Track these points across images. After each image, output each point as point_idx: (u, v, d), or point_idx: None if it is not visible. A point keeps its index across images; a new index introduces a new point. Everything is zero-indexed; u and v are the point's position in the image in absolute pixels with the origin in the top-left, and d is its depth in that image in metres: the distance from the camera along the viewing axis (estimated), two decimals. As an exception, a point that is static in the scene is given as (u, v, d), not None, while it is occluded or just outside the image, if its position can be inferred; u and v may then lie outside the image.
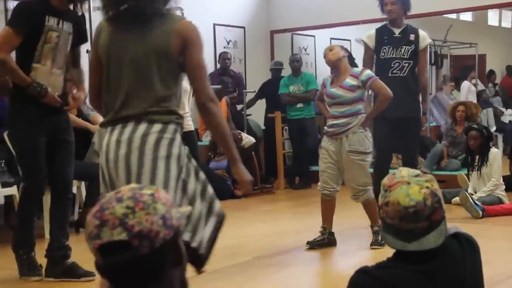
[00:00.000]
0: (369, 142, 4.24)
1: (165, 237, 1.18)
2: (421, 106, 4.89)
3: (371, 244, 4.24)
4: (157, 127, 2.25)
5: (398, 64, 4.76)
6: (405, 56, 4.75)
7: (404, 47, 4.76)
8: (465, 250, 1.70)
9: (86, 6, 5.78)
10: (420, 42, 4.79)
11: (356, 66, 4.43)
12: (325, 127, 4.36)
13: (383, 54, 4.80)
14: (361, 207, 4.37)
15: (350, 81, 4.23)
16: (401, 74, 4.75)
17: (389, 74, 4.70)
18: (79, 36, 3.60)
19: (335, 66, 4.31)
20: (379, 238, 4.15)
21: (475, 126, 5.84)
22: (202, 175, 2.36)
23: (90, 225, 1.19)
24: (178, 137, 2.30)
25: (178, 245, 1.22)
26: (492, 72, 12.29)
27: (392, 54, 4.77)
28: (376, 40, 4.84)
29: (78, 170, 4.02)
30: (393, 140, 4.77)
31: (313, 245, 4.29)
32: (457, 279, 1.65)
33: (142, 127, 2.24)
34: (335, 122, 4.25)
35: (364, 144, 4.20)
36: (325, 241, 4.31)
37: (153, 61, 2.27)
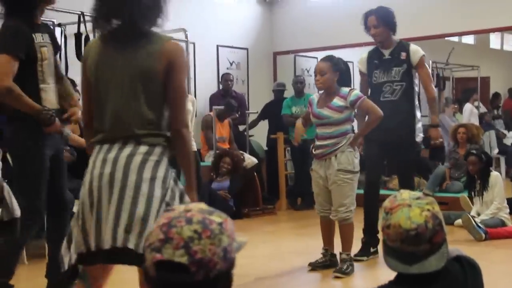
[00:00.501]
0: (357, 161, 4.18)
1: (221, 268, 1.19)
2: (415, 129, 4.65)
3: (335, 272, 4.10)
4: (143, 148, 2.26)
5: (389, 87, 4.62)
6: (396, 78, 4.59)
7: (394, 69, 4.60)
8: (467, 273, 1.70)
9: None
10: (411, 58, 4.62)
11: (349, 80, 4.34)
12: (312, 150, 4.27)
13: (374, 78, 4.67)
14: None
15: (338, 101, 4.17)
16: (392, 98, 4.60)
17: (381, 99, 4.59)
18: (54, 45, 3.45)
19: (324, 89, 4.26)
20: (345, 267, 4.10)
21: (473, 151, 5.84)
22: (187, 199, 2.36)
23: (154, 237, 1.20)
24: (165, 160, 2.31)
25: (231, 276, 1.23)
26: (497, 94, 12.33)
27: (383, 78, 4.63)
28: (368, 64, 4.76)
29: (78, 190, 4.00)
30: (383, 161, 4.73)
31: (314, 267, 4.27)
32: (458, 302, 1.65)
33: (129, 147, 2.25)
34: (323, 143, 4.18)
35: (353, 163, 4.13)
36: (327, 263, 4.29)
37: (139, 83, 2.27)
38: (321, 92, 4.33)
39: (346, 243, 4.19)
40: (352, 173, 4.13)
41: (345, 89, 4.22)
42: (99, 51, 2.33)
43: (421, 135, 4.76)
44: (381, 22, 4.64)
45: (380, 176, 4.99)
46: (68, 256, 2.29)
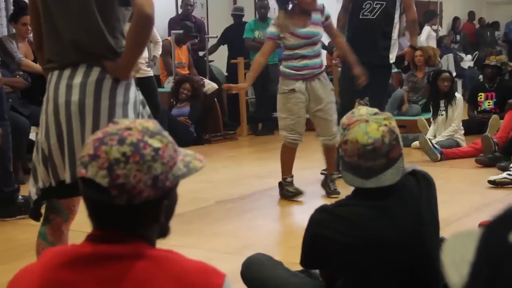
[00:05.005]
0: None
1: (148, 197, 1.14)
2: (390, 52, 4.60)
3: (333, 194, 4.12)
4: None
5: (369, 5, 4.52)
6: None
7: None
8: (421, 186, 1.73)
9: None
10: None
11: None
12: (290, 70, 4.05)
13: None
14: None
15: (317, 16, 4.05)
16: (370, 16, 4.52)
17: (360, 16, 4.52)
18: None
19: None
20: (336, 187, 4.15)
21: (444, 69, 5.97)
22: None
23: (86, 150, 1.15)
24: (133, 82, 2.19)
25: (161, 205, 1.17)
26: (456, 19, 12.35)
27: None
28: None
29: (36, 116, 3.93)
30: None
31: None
32: (413, 214, 1.69)
33: (96, 71, 2.10)
34: (311, 62, 4.03)
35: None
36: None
37: None
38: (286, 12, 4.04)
39: (335, 164, 4.19)
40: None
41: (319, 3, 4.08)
42: None
43: (394, 56, 4.67)
44: None
45: (354, 97, 4.89)
46: (34, 191, 2.20)
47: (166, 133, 1.20)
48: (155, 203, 1.16)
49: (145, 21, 2.01)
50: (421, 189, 1.71)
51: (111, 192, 1.12)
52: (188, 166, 1.22)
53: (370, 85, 4.49)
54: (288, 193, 4.17)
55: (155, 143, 1.15)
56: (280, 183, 4.22)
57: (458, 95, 5.97)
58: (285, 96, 4.07)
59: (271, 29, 4.10)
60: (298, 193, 4.16)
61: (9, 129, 3.76)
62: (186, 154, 1.25)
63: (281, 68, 4.17)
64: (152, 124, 1.19)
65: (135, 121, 1.19)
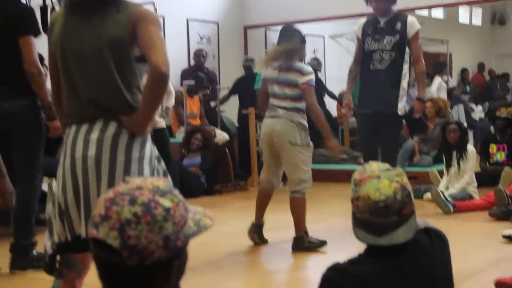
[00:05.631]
0: None
1: (160, 258, 1.12)
2: (398, 102, 4.64)
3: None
4: None
5: (379, 56, 4.63)
6: (387, 48, 4.59)
7: (387, 37, 4.59)
8: (434, 244, 1.70)
9: None
10: (408, 31, 4.61)
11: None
12: (306, 122, 4.15)
13: (367, 45, 4.68)
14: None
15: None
16: (379, 67, 4.62)
17: (370, 67, 4.63)
18: None
19: None
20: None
21: (452, 121, 5.96)
22: (170, 179, 2.28)
23: (97, 210, 1.14)
24: (149, 137, 2.22)
25: (172, 265, 1.16)
26: (464, 70, 12.45)
27: (374, 46, 4.62)
28: (362, 30, 4.73)
29: (49, 167, 3.95)
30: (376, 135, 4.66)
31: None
32: (427, 273, 1.66)
33: (112, 126, 2.13)
34: None
35: None
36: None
37: (110, 54, 2.12)
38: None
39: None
40: None
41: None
42: (64, 24, 2.20)
43: (402, 106, 4.72)
44: None
45: (377, 150, 4.85)
46: (49, 245, 2.20)
47: (176, 192, 1.19)
48: (166, 263, 1.15)
49: (160, 79, 2.04)
50: (434, 247, 1.69)
51: (122, 254, 1.11)
52: (198, 224, 1.21)
53: (381, 135, 4.55)
54: (312, 244, 4.14)
55: (166, 203, 1.14)
56: (300, 237, 4.15)
57: (470, 147, 5.93)
58: (307, 149, 4.16)
59: (312, 77, 4.17)
60: (323, 243, 4.15)
61: (40, 182, 3.75)
62: (196, 211, 1.24)
63: (302, 120, 4.16)
64: (163, 183, 1.19)
65: (145, 180, 1.18)
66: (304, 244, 4.14)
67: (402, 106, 4.70)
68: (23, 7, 3.51)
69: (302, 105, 4.12)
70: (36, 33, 3.45)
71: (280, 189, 4.51)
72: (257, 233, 4.33)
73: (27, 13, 3.47)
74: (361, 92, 4.75)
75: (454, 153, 5.79)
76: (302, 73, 4.09)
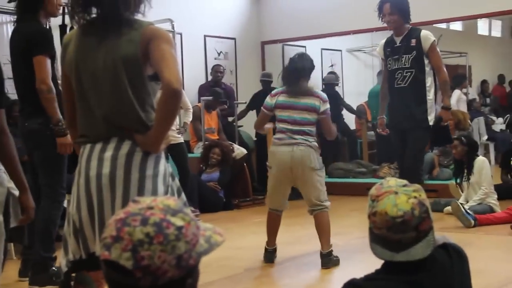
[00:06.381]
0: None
1: (173, 277, 1.12)
2: (428, 115, 4.76)
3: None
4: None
5: (400, 74, 4.79)
6: (406, 66, 4.76)
7: (405, 56, 4.76)
8: (453, 260, 1.68)
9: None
10: (423, 45, 4.75)
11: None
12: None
13: (389, 65, 4.88)
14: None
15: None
16: (403, 85, 4.78)
17: (395, 86, 4.82)
18: None
19: None
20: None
21: (457, 136, 5.93)
22: (183, 196, 2.27)
23: (108, 231, 1.14)
24: (163, 155, 2.22)
25: (185, 284, 1.15)
26: (484, 81, 12.35)
27: (395, 65, 4.82)
28: (383, 51, 4.96)
29: (68, 184, 3.99)
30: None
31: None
32: (445, 290, 1.64)
33: (126, 145, 2.14)
34: None
35: None
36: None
37: (124, 73, 2.13)
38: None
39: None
40: None
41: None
42: (78, 44, 2.21)
43: (432, 117, 4.81)
44: (396, 9, 4.78)
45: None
46: (64, 263, 2.21)
47: (188, 210, 1.19)
48: (179, 282, 1.15)
49: (173, 96, 2.05)
50: (452, 264, 1.67)
51: (135, 274, 1.10)
52: (209, 241, 1.21)
53: (407, 148, 4.76)
54: (337, 259, 4.15)
55: (178, 222, 1.14)
56: (330, 252, 4.12)
57: (481, 158, 5.84)
58: (323, 170, 4.21)
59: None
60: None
61: (63, 197, 3.79)
62: (205, 228, 1.24)
63: (315, 143, 4.16)
64: (173, 201, 1.19)
65: (156, 199, 1.18)
66: (333, 259, 4.12)
67: (432, 118, 4.82)
68: (37, 28, 3.59)
69: (314, 128, 4.17)
70: (49, 53, 3.53)
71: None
72: (271, 260, 4.28)
73: (40, 34, 3.58)
74: (389, 109, 5.01)
75: (465, 167, 5.75)
76: (322, 99, 4.14)
